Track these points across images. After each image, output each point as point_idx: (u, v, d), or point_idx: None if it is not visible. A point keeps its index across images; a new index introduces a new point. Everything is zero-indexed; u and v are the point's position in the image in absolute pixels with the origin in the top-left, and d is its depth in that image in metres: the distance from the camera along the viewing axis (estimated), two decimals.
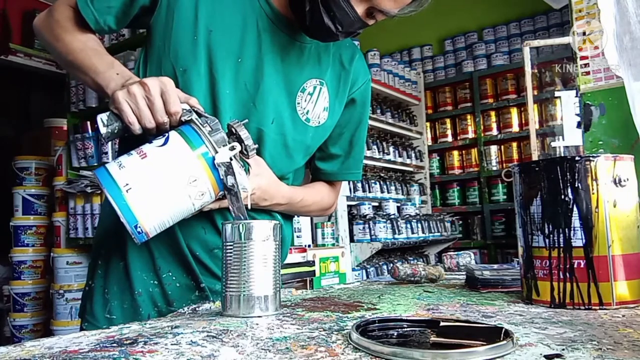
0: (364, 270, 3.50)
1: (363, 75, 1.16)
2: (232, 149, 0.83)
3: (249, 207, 0.88)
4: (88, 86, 1.00)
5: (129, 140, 0.95)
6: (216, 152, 0.83)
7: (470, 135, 4.66)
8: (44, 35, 1.03)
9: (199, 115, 0.86)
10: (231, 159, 0.83)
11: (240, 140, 0.86)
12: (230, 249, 0.80)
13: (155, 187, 0.80)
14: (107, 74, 0.92)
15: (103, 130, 0.85)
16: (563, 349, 0.56)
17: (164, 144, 0.82)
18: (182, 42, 0.97)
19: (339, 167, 1.20)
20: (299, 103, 1.05)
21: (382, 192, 4.04)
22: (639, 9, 1.75)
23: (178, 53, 0.97)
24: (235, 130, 0.86)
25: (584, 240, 0.79)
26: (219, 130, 0.84)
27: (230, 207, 0.85)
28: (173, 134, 0.83)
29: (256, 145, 0.87)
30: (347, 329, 0.67)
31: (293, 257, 2.43)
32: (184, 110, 0.86)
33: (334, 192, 1.25)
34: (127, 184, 0.78)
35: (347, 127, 1.17)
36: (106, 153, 3.20)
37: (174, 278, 1.02)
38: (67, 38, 0.99)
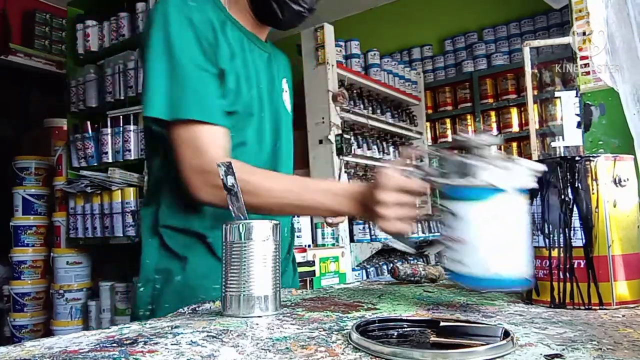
0: (364, 270, 3.50)
1: (286, 59, 1.38)
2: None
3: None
4: (319, 215, 1.15)
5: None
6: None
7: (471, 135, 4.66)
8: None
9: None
10: None
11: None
12: (230, 248, 0.80)
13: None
14: (329, 201, 0.97)
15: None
16: (563, 349, 0.56)
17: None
18: (242, 94, 1.10)
19: None
20: (285, 100, 1.26)
21: None
22: (634, 10, 1.75)
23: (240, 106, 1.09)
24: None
25: (584, 240, 0.79)
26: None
27: (230, 207, 0.85)
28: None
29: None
30: (347, 329, 0.67)
31: None
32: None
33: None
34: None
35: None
36: (106, 153, 3.20)
37: None
38: (263, 187, 0.98)
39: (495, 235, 0.72)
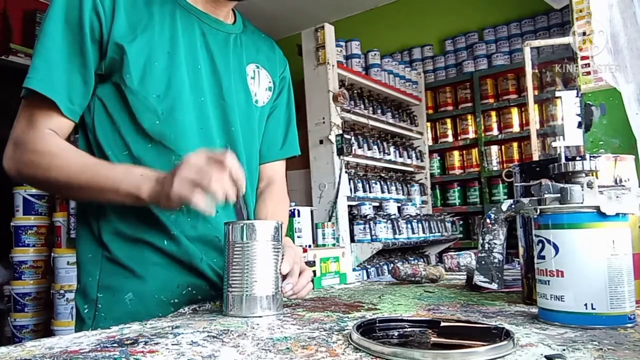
0: (364, 271, 3.50)
1: (284, 59, 1.27)
2: None
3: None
4: (107, 202, 0.93)
5: None
6: None
7: (471, 135, 4.66)
8: (27, 173, 0.93)
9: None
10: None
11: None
12: (233, 249, 0.80)
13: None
14: (129, 180, 0.87)
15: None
16: (564, 349, 0.56)
17: None
18: (155, 80, 0.96)
19: (280, 145, 1.25)
20: (250, 87, 1.13)
21: (382, 192, 4.03)
22: (637, 9, 1.74)
23: (150, 94, 0.96)
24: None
25: None
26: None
27: (237, 213, 0.86)
28: None
29: None
30: (347, 329, 0.67)
31: None
32: None
33: (282, 183, 1.29)
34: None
35: (281, 104, 1.24)
36: None
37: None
38: (57, 163, 0.90)
39: (597, 267, 0.66)
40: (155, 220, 0.97)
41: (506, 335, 0.57)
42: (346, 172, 3.59)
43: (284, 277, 0.87)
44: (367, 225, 3.58)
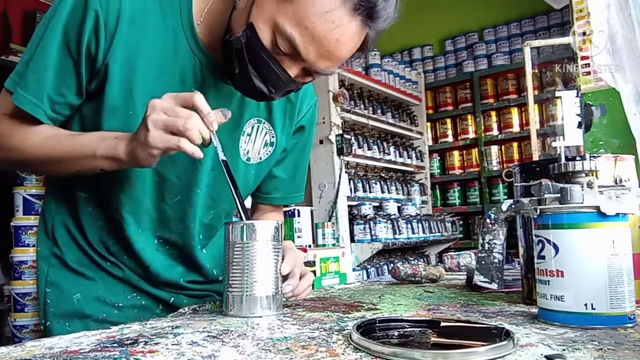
0: (364, 271, 3.50)
1: (309, 101, 1.12)
2: None
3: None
4: (84, 171, 0.88)
5: None
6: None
7: (471, 135, 4.66)
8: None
9: None
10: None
11: None
12: (233, 249, 0.80)
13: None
14: (105, 144, 0.83)
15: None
16: (564, 349, 0.56)
17: None
18: (116, 115, 0.89)
19: (283, 191, 1.18)
20: (241, 146, 1.02)
21: (382, 192, 4.04)
22: (635, 10, 1.74)
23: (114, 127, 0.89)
24: None
25: None
26: None
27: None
28: None
29: None
30: (347, 329, 0.67)
31: None
32: None
33: (280, 215, 1.25)
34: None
35: (293, 152, 1.14)
36: None
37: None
38: (29, 141, 0.87)
39: (597, 267, 0.66)
40: (96, 247, 0.98)
41: (506, 335, 0.57)
42: (346, 172, 3.59)
43: (284, 277, 0.87)
44: (367, 225, 3.58)
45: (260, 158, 1.06)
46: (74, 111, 0.93)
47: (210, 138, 0.79)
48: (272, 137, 1.06)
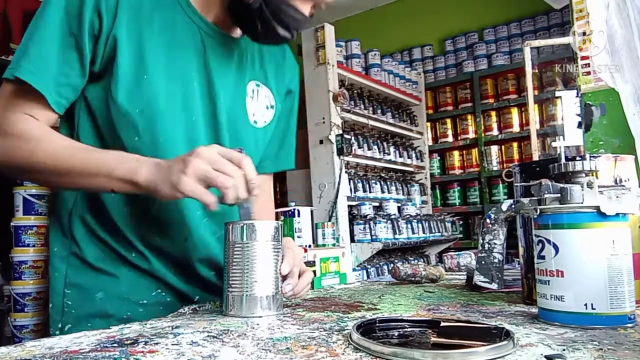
0: (364, 271, 3.50)
1: (293, 66, 1.20)
2: None
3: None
4: (93, 189, 0.88)
5: None
6: None
7: (471, 135, 4.66)
8: (7, 159, 0.87)
9: None
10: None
11: None
12: (233, 249, 0.80)
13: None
14: (125, 166, 0.82)
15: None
16: (564, 349, 0.56)
17: None
18: (143, 95, 0.91)
19: (274, 158, 1.20)
20: (247, 108, 1.06)
21: (382, 192, 4.04)
22: (633, 11, 1.74)
23: (134, 108, 0.90)
24: None
25: None
26: None
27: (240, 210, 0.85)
28: None
29: None
30: (347, 329, 0.67)
31: None
32: None
33: (270, 182, 1.25)
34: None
35: (281, 117, 1.17)
36: None
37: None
38: (42, 147, 0.85)
39: (597, 267, 0.66)
40: (122, 235, 0.95)
41: (506, 335, 0.57)
42: (346, 172, 3.59)
43: (284, 277, 0.87)
44: (367, 225, 3.58)
45: (265, 122, 1.10)
46: (82, 101, 0.93)
47: (244, 200, 0.80)
48: (271, 100, 1.12)
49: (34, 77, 0.85)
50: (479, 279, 0.81)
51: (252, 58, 1.08)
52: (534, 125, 2.23)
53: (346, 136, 3.46)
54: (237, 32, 1.05)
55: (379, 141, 4.09)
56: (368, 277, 3.46)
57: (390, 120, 4.25)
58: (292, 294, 0.88)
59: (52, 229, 1.00)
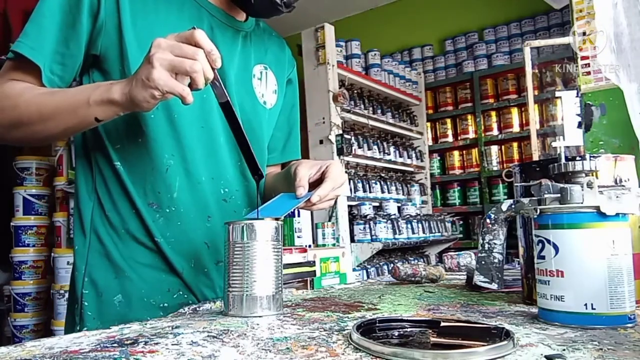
0: (364, 271, 3.50)
1: (292, 60, 1.25)
2: None
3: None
4: (82, 124, 0.86)
5: None
6: None
7: (471, 135, 4.66)
8: None
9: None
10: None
11: None
12: (233, 249, 0.80)
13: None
14: (99, 90, 0.82)
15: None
16: (564, 349, 0.56)
17: None
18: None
19: (281, 149, 1.23)
20: (255, 88, 1.10)
21: (382, 192, 4.04)
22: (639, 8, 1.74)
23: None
24: None
25: None
26: None
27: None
28: None
29: None
30: (347, 329, 0.67)
31: (294, 257, 2.43)
32: None
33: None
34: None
35: (284, 108, 1.21)
36: None
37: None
38: (24, 98, 0.86)
39: (597, 267, 0.66)
40: (141, 221, 0.96)
41: (506, 335, 0.57)
42: (346, 172, 3.59)
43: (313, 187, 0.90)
44: (367, 225, 3.58)
45: (272, 104, 1.14)
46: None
47: (214, 76, 0.80)
48: (276, 85, 1.16)
49: (31, 51, 0.87)
50: (479, 279, 0.81)
51: (256, 43, 1.13)
52: (534, 125, 2.23)
53: (346, 136, 3.46)
54: (241, 16, 1.09)
55: (379, 141, 4.09)
56: (368, 277, 3.46)
57: (390, 120, 4.25)
58: (318, 199, 0.90)
59: (76, 228, 1.00)
